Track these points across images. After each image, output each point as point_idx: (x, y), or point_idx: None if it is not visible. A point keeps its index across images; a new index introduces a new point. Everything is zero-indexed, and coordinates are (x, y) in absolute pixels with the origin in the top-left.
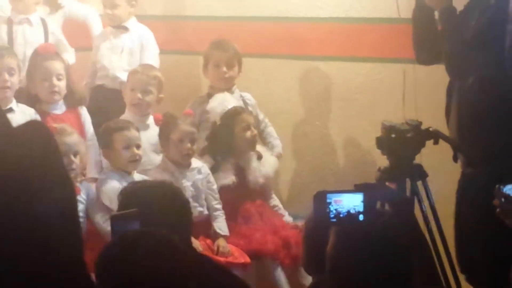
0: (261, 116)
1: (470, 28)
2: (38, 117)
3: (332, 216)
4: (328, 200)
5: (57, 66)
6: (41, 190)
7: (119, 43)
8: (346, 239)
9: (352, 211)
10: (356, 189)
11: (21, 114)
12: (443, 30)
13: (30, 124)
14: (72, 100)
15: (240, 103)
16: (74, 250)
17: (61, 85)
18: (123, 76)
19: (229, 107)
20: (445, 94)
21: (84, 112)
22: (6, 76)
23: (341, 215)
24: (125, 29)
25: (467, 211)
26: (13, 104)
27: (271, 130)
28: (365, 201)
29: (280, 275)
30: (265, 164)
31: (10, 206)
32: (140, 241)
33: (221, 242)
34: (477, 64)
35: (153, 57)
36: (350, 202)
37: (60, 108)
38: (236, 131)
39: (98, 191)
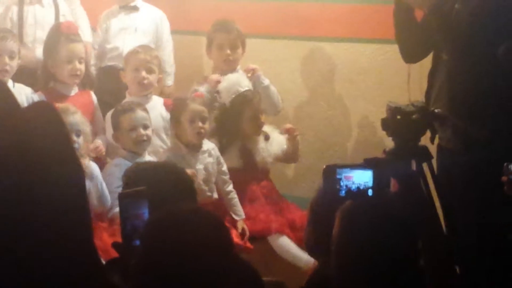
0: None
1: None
2: (35, 97)
3: (342, 191)
4: (338, 176)
5: (80, 49)
6: (49, 171)
7: (131, 23)
8: (351, 221)
9: (362, 187)
10: (366, 164)
11: (17, 94)
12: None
13: (38, 104)
14: (85, 82)
15: (250, 84)
16: (83, 231)
17: (82, 68)
18: None
19: (242, 90)
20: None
21: (93, 94)
22: (7, 59)
23: (352, 190)
24: (135, 8)
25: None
26: (10, 84)
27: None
28: (374, 177)
29: (286, 239)
30: (273, 143)
31: (16, 187)
32: (192, 217)
33: (243, 225)
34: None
35: (169, 38)
36: (360, 178)
37: (73, 90)
38: (244, 118)
39: (107, 172)
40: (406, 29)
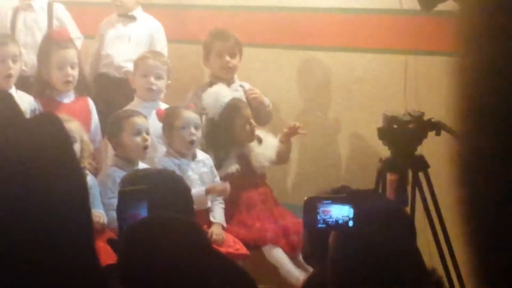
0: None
1: None
2: (37, 104)
3: (320, 224)
4: (317, 210)
5: (72, 54)
6: (52, 182)
7: (126, 32)
8: (345, 233)
9: (340, 222)
10: (345, 199)
11: (20, 101)
12: None
13: (42, 116)
14: (81, 88)
15: (238, 94)
16: (85, 242)
17: (75, 74)
18: (129, 66)
19: (225, 101)
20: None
21: (91, 101)
22: (11, 63)
23: (331, 221)
24: (133, 18)
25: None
26: (12, 91)
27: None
28: (354, 211)
29: (280, 252)
30: (267, 146)
31: (18, 197)
32: (169, 225)
33: (215, 229)
34: None
35: (163, 49)
36: (339, 213)
37: (69, 97)
38: (235, 126)
39: (104, 181)
40: None
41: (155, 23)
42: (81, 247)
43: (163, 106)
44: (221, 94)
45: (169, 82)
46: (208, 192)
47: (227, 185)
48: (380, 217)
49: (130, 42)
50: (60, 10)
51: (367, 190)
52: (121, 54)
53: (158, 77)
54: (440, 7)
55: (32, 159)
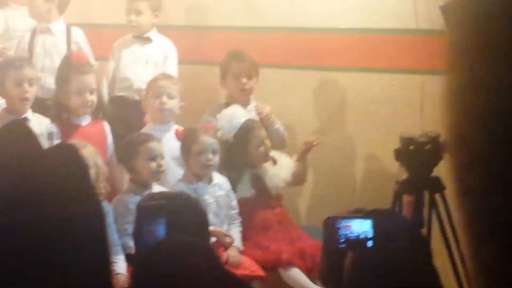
0: (277, 125)
1: None
2: (53, 127)
3: (341, 241)
4: (337, 226)
5: (91, 80)
6: (69, 212)
7: (143, 54)
8: (363, 254)
9: (361, 236)
10: (365, 215)
11: (36, 124)
12: None
13: (60, 146)
14: (98, 111)
15: (251, 115)
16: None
17: (94, 99)
18: None
19: (240, 122)
20: None
21: (107, 124)
22: (27, 87)
23: (351, 239)
24: (148, 40)
25: None
26: (29, 114)
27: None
28: (374, 228)
29: (298, 272)
30: (282, 167)
31: (37, 226)
32: (184, 249)
33: (232, 252)
34: None
35: (174, 70)
36: (360, 228)
37: (86, 119)
38: (250, 148)
39: (118, 206)
40: None
41: (169, 44)
42: (98, 274)
43: (177, 128)
44: (235, 115)
45: (182, 103)
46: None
47: (231, 240)
48: (398, 236)
49: (148, 64)
50: (78, 34)
51: (384, 210)
52: (141, 77)
53: (170, 97)
54: None
55: (49, 190)
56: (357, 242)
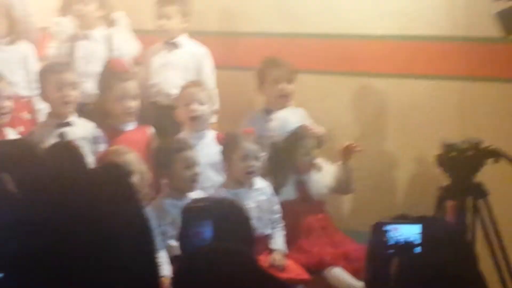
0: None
1: None
2: (98, 132)
3: (389, 245)
4: (386, 230)
5: (132, 86)
6: (117, 232)
7: (171, 59)
8: (410, 260)
9: (409, 242)
10: (413, 221)
11: (82, 128)
12: None
13: (107, 167)
14: (143, 117)
15: (300, 119)
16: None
17: (136, 105)
18: (177, 93)
19: (291, 127)
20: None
21: (152, 129)
22: (69, 90)
23: (400, 244)
24: (177, 45)
25: None
26: (74, 118)
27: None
28: (422, 234)
29: (341, 271)
30: (325, 174)
31: (85, 247)
32: (225, 256)
33: (276, 255)
34: None
35: (211, 75)
36: (408, 233)
37: (131, 125)
38: (296, 155)
39: (156, 209)
40: None
41: (200, 49)
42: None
43: (212, 134)
44: (289, 120)
45: (215, 107)
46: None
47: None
48: (444, 243)
49: (176, 69)
50: (120, 41)
51: (431, 216)
52: (169, 81)
53: (200, 103)
54: (497, 33)
55: (96, 211)
56: (405, 247)
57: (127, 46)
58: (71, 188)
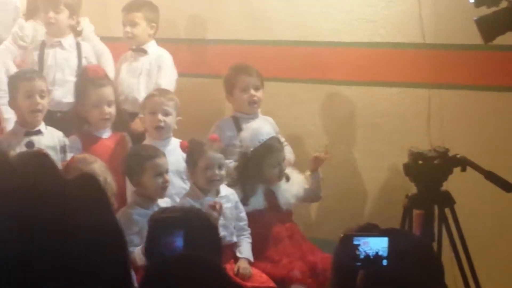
0: (281, 140)
1: None
2: (66, 140)
3: (359, 258)
4: (355, 243)
5: (108, 92)
6: (93, 245)
7: (137, 66)
8: (376, 272)
9: (377, 254)
10: (381, 233)
11: (49, 137)
12: None
13: (82, 177)
14: (118, 124)
15: (272, 129)
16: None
17: (112, 111)
18: (142, 99)
19: (263, 139)
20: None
21: (128, 136)
22: (38, 99)
23: (367, 256)
24: (144, 52)
25: None
26: (42, 127)
27: (287, 149)
28: (389, 247)
29: None
30: (294, 184)
31: (58, 259)
32: (192, 265)
33: (242, 263)
34: None
35: (168, 79)
36: (376, 246)
37: (107, 132)
38: (266, 165)
39: (123, 218)
40: None
41: (164, 53)
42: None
43: (176, 142)
44: (260, 132)
45: (179, 118)
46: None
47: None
48: (411, 254)
49: (141, 76)
50: (87, 49)
51: (397, 229)
52: (134, 88)
53: (166, 114)
54: (465, 40)
55: (70, 221)
56: (373, 260)
57: (96, 52)
58: (46, 198)
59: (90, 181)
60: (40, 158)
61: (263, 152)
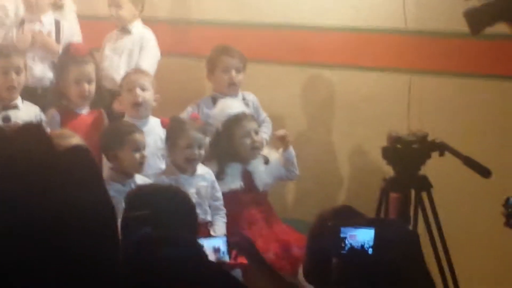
0: (262, 116)
1: None
2: (42, 115)
3: (345, 249)
4: (343, 235)
5: (89, 70)
6: (84, 217)
7: (120, 45)
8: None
9: (365, 246)
10: (367, 223)
11: (25, 111)
12: None
13: (74, 149)
14: (97, 101)
15: (243, 107)
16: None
17: (91, 89)
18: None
19: (231, 112)
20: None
21: (104, 113)
22: (14, 75)
23: (354, 248)
24: (129, 31)
25: None
26: (18, 101)
27: (266, 125)
28: (375, 236)
29: None
30: (272, 165)
31: (48, 231)
32: (166, 244)
33: None
34: None
35: (149, 61)
36: (363, 237)
37: (85, 108)
38: (236, 138)
39: None
40: None
41: (147, 33)
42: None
43: (155, 121)
44: (229, 106)
45: (157, 95)
46: None
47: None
48: (395, 243)
49: (121, 54)
50: (67, 27)
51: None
52: (115, 67)
53: (143, 89)
54: (447, 27)
55: (62, 192)
56: (360, 251)
57: (71, 32)
58: (39, 169)
59: (82, 152)
60: (34, 130)
61: (231, 123)
